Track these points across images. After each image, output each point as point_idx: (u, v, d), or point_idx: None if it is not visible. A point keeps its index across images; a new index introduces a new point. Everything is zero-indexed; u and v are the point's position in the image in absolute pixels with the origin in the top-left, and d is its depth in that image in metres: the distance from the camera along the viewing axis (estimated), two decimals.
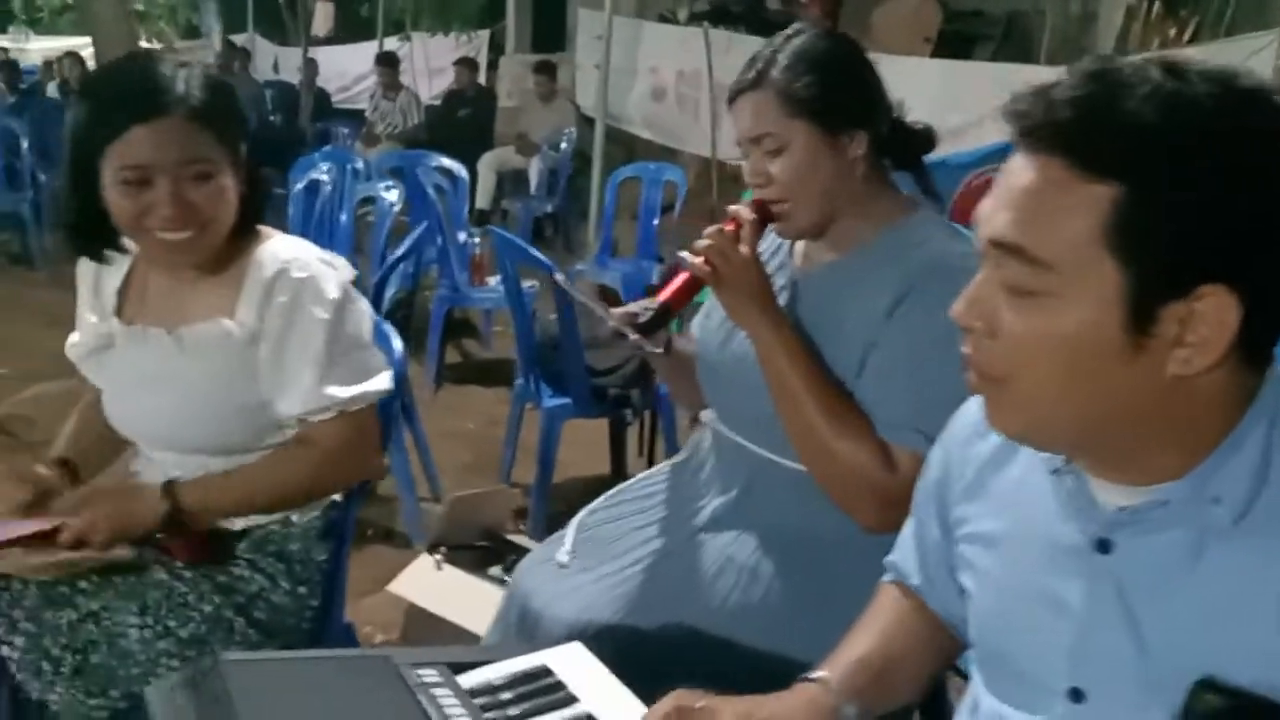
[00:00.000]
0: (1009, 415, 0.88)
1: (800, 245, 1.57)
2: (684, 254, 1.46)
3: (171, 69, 1.46)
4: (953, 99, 4.98)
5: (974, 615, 1.03)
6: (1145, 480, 0.86)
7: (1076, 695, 0.91)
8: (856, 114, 1.46)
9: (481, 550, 2.38)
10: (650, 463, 3.25)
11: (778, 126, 1.44)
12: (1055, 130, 0.80)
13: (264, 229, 1.59)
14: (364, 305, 1.58)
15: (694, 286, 1.47)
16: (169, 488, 1.50)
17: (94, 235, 1.54)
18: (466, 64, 9.69)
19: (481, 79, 10.11)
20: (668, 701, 1.05)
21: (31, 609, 1.43)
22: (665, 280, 1.56)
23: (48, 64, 13.04)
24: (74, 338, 1.66)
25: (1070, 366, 0.81)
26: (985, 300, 0.85)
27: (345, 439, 1.53)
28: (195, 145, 1.45)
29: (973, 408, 1.08)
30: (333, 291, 1.51)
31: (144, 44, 12.21)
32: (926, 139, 1.55)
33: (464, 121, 8.99)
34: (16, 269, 6.65)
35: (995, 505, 1.01)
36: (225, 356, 1.50)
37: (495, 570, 2.30)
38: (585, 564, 1.54)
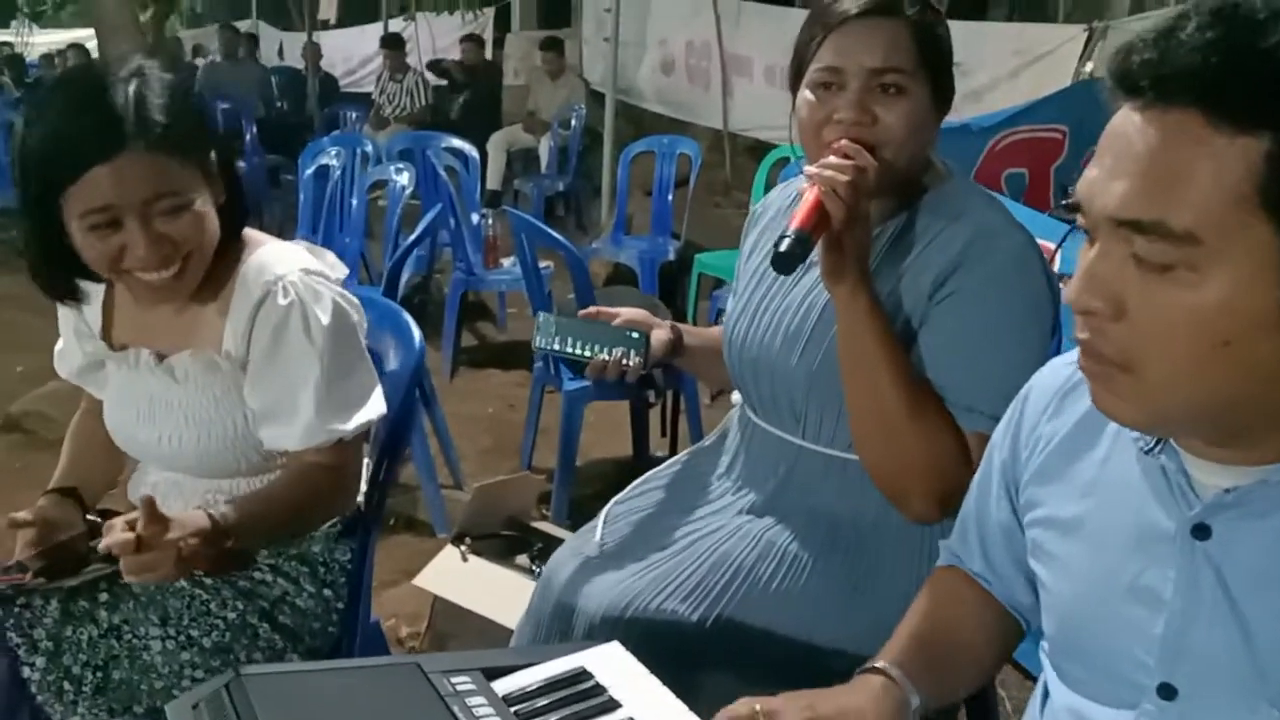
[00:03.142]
0: (1135, 403, 0.79)
1: None
2: (810, 172, 1.27)
3: (122, 90, 1.30)
4: (970, 61, 4.87)
5: (1050, 605, 0.97)
6: (1255, 460, 0.80)
7: (1167, 691, 0.85)
8: (952, 82, 1.37)
9: (507, 539, 2.32)
10: (673, 444, 3.20)
11: (910, 65, 1.31)
12: (1189, 80, 0.71)
13: (250, 234, 1.49)
14: (357, 315, 1.47)
15: (826, 214, 1.26)
16: (222, 525, 1.33)
17: (64, 275, 1.43)
18: (473, 42, 9.62)
19: (488, 56, 10.03)
20: (723, 715, 0.99)
21: (51, 627, 1.38)
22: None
23: (48, 57, 13.02)
24: (60, 347, 1.59)
25: (1214, 344, 0.73)
26: (1107, 279, 0.76)
27: (346, 464, 1.47)
28: (161, 177, 1.31)
29: (1042, 385, 1.01)
30: (324, 315, 1.41)
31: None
32: None
33: (472, 101, 8.92)
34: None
35: (1075, 488, 0.94)
36: (222, 384, 1.44)
37: (522, 559, 2.25)
38: (619, 555, 1.48)
